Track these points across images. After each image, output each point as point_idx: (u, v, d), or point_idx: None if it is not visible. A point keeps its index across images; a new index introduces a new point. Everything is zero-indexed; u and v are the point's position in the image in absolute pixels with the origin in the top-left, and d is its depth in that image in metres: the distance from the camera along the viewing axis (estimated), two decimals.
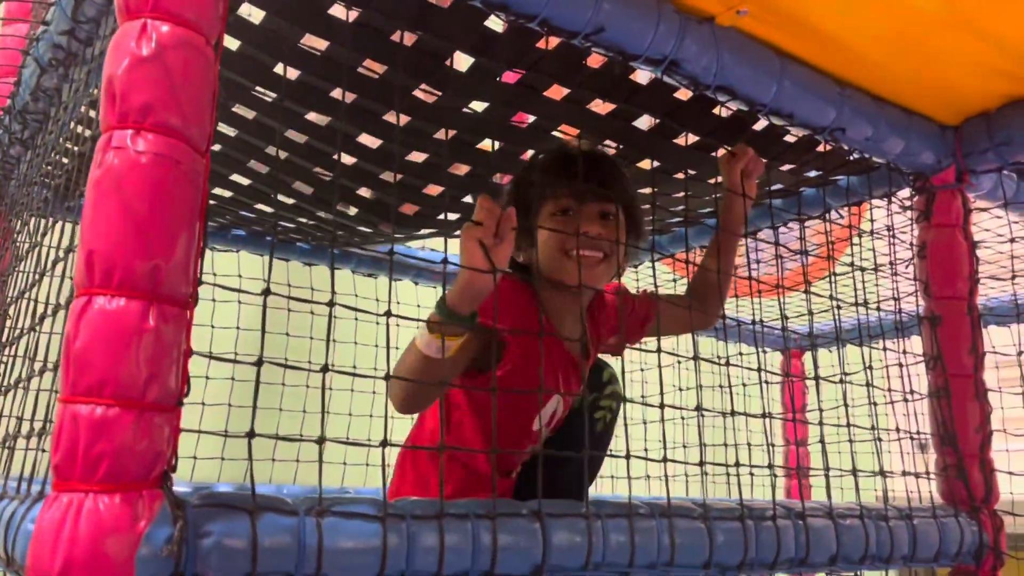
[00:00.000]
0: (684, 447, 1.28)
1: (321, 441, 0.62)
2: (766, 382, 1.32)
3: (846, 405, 1.10)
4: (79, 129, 1.05)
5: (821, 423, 0.99)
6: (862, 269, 1.20)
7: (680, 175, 1.22)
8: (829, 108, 1.02)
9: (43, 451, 0.71)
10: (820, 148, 1.14)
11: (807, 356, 2.64)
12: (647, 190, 1.22)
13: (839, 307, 1.25)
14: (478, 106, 1.06)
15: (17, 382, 0.78)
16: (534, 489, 0.73)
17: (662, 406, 0.81)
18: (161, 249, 0.55)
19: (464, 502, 0.68)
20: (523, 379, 0.94)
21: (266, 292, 0.62)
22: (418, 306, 1.98)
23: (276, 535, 0.57)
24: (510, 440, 1.02)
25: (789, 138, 1.14)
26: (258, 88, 1.01)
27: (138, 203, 0.55)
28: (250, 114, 1.09)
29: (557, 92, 1.05)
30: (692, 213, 1.39)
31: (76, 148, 1.02)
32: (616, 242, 1.00)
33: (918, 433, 1.12)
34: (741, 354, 1.85)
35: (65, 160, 1.14)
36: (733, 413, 0.89)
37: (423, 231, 1.53)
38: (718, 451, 1.26)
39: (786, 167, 1.23)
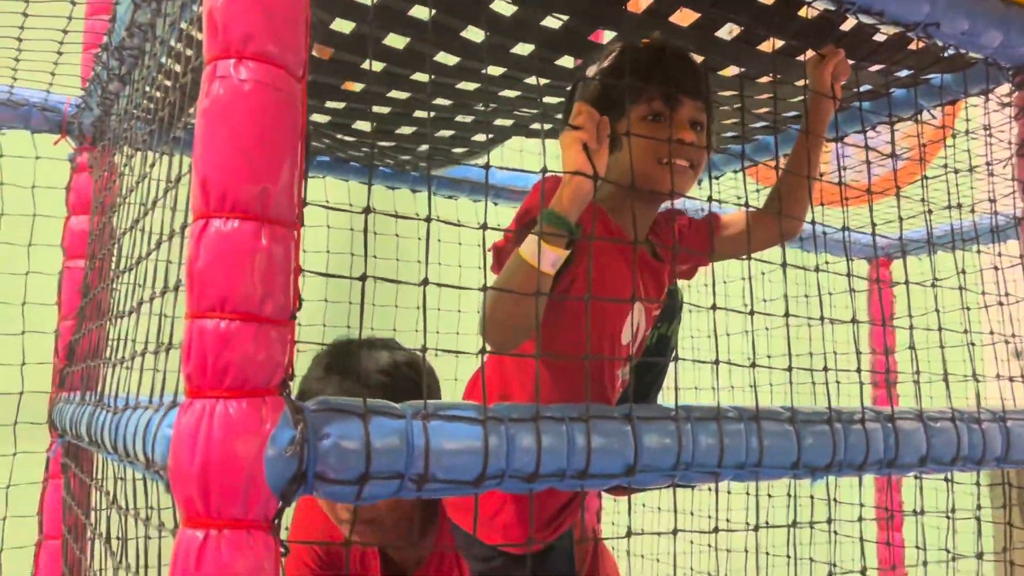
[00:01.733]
0: (769, 357, 1.29)
1: (424, 351, 0.65)
2: (853, 290, 1.30)
3: (938, 311, 1.09)
4: (173, 64, 1.10)
5: (911, 327, 0.99)
6: (956, 171, 1.17)
7: (765, 79, 1.19)
8: (922, 2, 0.97)
9: (157, 371, 0.77)
10: (912, 46, 1.10)
11: (895, 265, 2.58)
12: (729, 92, 1.20)
13: (931, 211, 1.23)
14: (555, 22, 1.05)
15: (139, 305, 0.84)
16: None
17: (751, 312, 0.82)
18: (268, 173, 0.58)
19: (558, 406, 0.71)
20: (599, 286, 0.93)
21: (367, 210, 0.65)
22: (498, 225, 2.01)
23: (387, 437, 0.61)
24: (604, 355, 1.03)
25: (879, 37, 1.10)
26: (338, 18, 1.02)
27: (244, 130, 0.58)
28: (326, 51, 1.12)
29: (636, 6, 1.03)
30: (778, 119, 1.36)
31: (170, 83, 1.06)
32: (707, 148, 0.98)
33: (1012, 336, 1.10)
34: (828, 262, 1.83)
35: (160, 94, 1.19)
36: (821, 319, 0.89)
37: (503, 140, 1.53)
38: (804, 362, 1.27)
39: (876, 68, 1.19)
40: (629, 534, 0.73)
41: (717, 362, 0.81)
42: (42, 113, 1.48)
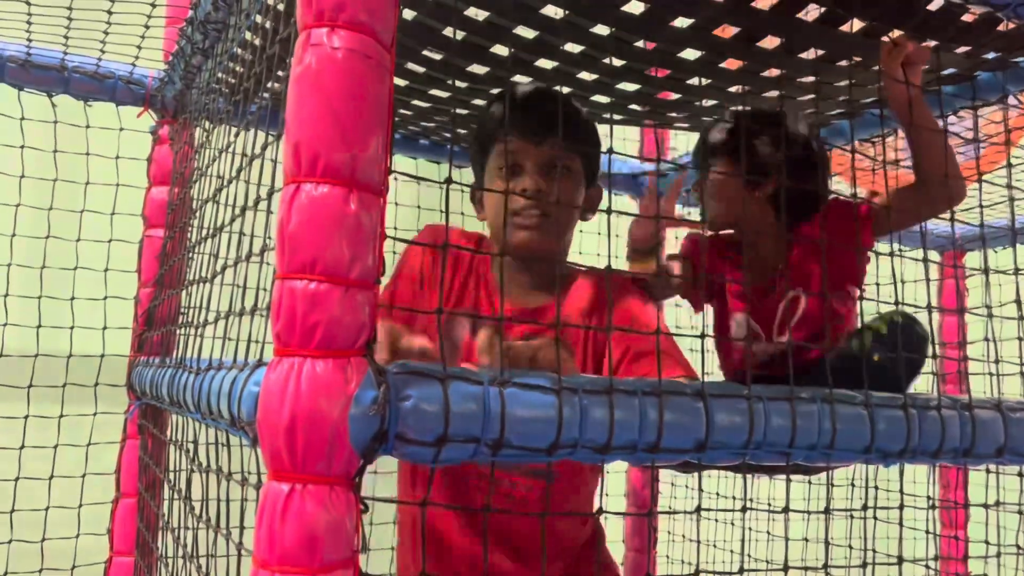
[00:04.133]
0: None
1: (501, 320, 0.66)
2: (929, 279, 1.28)
3: (1019, 302, 1.07)
4: (255, 38, 1.12)
5: (990, 315, 0.96)
6: None
7: (844, 63, 1.17)
8: None
9: (229, 339, 0.80)
10: (1001, 27, 1.07)
11: (968, 257, 2.51)
12: (810, 79, 1.18)
13: (1013, 200, 1.19)
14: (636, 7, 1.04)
15: (223, 270, 0.87)
16: None
17: (825, 295, 0.81)
18: (357, 139, 0.60)
19: (631, 380, 0.72)
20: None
21: (448, 181, 0.66)
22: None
23: (465, 402, 0.62)
24: None
25: (967, 17, 1.07)
26: None
27: (336, 97, 0.59)
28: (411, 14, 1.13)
29: None
30: (856, 104, 1.34)
31: (252, 56, 1.08)
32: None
33: None
34: (901, 250, 1.78)
35: (242, 68, 1.22)
36: (897, 303, 0.88)
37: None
38: None
39: (961, 50, 1.15)
40: (699, 509, 0.73)
41: (791, 346, 0.81)
42: (127, 86, 1.53)
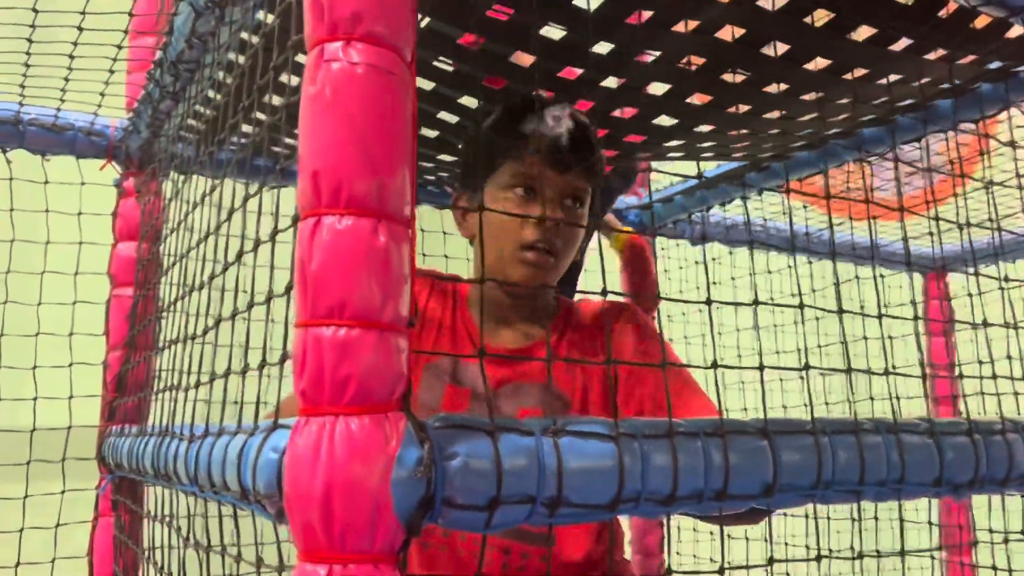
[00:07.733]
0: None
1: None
2: (913, 302, 1.23)
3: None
4: (232, 77, 1.05)
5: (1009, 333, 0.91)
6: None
7: (848, 76, 1.13)
8: None
9: (231, 402, 0.72)
10: (1009, 34, 1.04)
11: (949, 277, 2.50)
12: (812, 95, 1.14)
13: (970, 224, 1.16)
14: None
15: (204, 332, 0.78)
16: None
17: (840, 311, 0.75)
18: (384, 164, 0.52)
19: (690, 420, 0.64)
20: None
21: (481, 208, 0.59)
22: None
23: (517, 456, 0.55)
24: None
25: (977, 23, 1.04)
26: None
27: (358, 117, 0.52)
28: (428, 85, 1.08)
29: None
30: (858, 120, 1.31)
31: (219, 98, 1.01)
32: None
33: None
34: (883, 275, 1.75)
35: (210, 112, 1.14)
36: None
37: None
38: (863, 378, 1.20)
39: (967, 60, 1.13)
40: (722, 571, 0.65)
41: (807, 367, 0.74)
42: (88, 138, 1.44)
